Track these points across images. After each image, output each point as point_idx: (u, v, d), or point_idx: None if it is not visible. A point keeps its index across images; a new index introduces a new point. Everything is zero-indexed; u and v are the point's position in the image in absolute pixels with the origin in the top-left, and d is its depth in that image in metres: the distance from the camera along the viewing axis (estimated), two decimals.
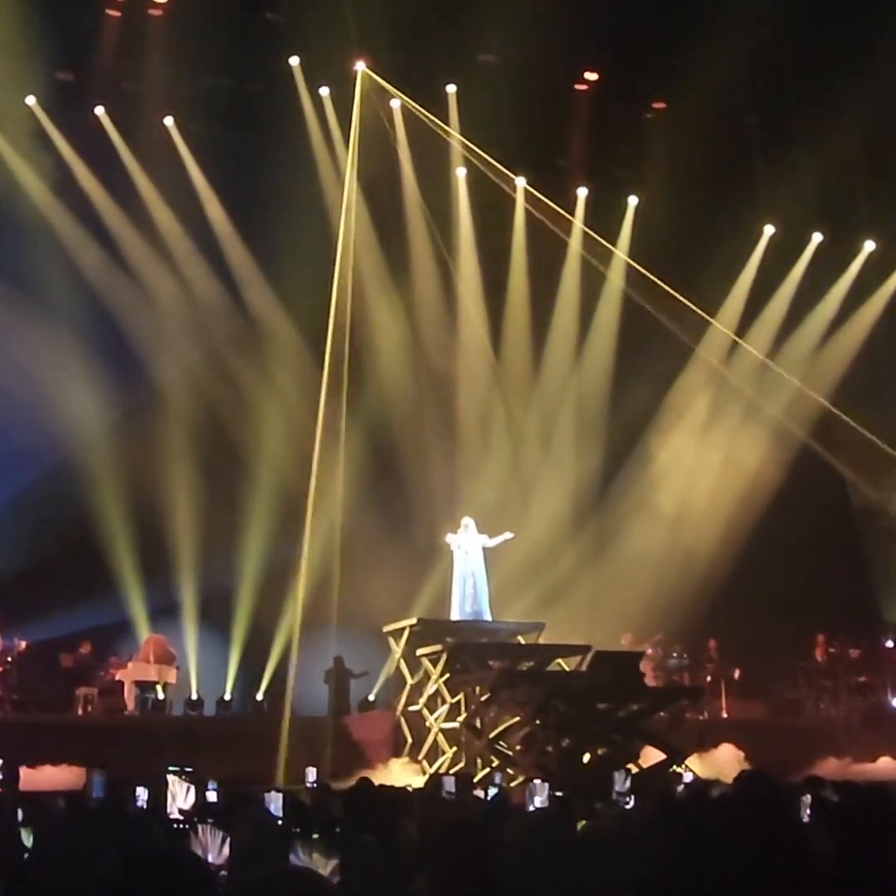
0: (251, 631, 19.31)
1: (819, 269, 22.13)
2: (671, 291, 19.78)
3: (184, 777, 6.21)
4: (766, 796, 5.53)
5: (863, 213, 21.70)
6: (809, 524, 20.95)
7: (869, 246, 22.21)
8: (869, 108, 19.68)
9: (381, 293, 20.62)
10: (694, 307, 20.08)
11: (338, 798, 7.42)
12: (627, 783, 8.64)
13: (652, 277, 20.07)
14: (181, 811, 6.25)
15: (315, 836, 3.22)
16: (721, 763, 15.31)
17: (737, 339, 21.38)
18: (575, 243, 21.48)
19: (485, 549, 17.50)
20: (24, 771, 12.88)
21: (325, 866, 3.17)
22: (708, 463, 21.29)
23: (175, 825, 6.03)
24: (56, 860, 4.76)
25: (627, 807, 8.20)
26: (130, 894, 2.52)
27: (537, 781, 8.03)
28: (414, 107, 20.04)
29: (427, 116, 19.89)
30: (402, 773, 15.05)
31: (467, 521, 17.61)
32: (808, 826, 6.40)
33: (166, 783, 6.31)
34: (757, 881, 3.25)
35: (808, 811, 6.93)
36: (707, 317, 20.77)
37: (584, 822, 5.94)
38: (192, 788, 6.23)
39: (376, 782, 10.24)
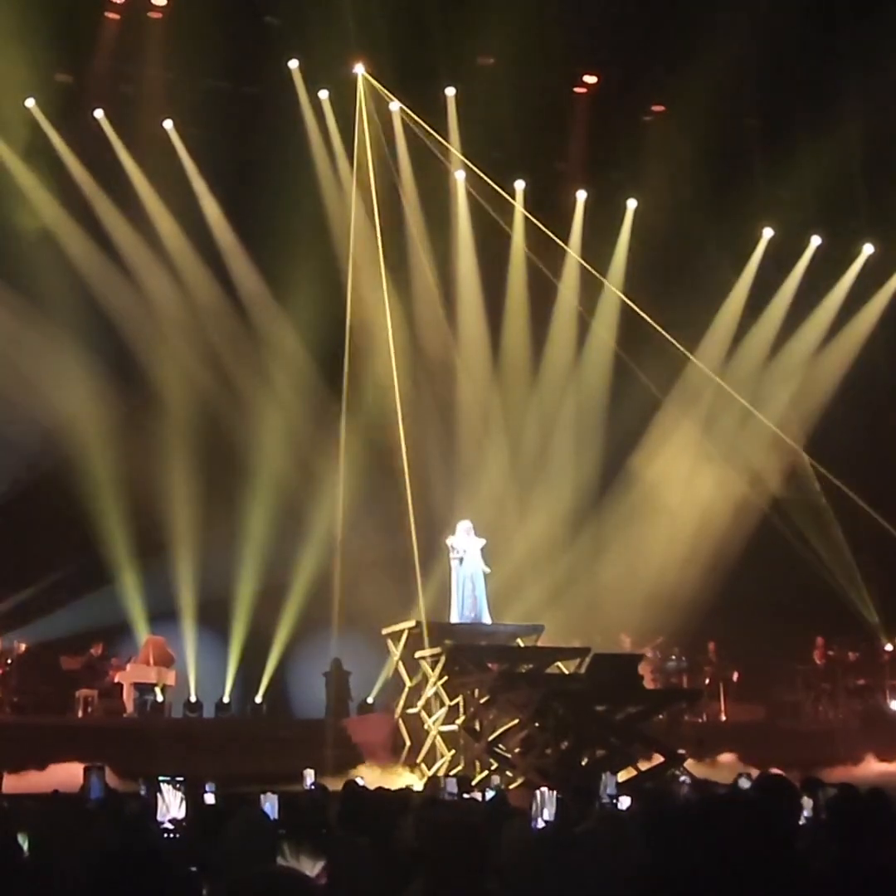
0: (250, 633, 19.31)
1: (818, 273, 22.14)
2: (652, 323, 19.67)
3: (176, 786, 6.19)
4: (786, 799, 5.52)
5: (862, 216, 21.70)
6: (808, 526, 20.95)
7: (868, 249, 22.22)
8: (868, 111, 19.68)
9: (381, 299, 20.60)
10: (675, 342, 19.93)
11: (335, 801, 7.42)
12: (616, 785, 8.62)
13: (633, 306, 20.02)
14: (173, 820, 6.24)
15: (302, 837, 3.22)
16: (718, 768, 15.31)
17: (716, 377, 21.20)
18: (573, 247, 21.49)
19: (483, 552, 17.50)
20: (23, 773, 12.93)
21: (312, 868, 3.16)
22: (706, 466, 21.27)
23: (165, 835, 6.03)
24: (52, 861, 4.77)
25: (617, 809, 8.20)
26: (116, 893, 2.53)
27: (545, 790, 7.98)
28: (411, 115, 20.05)
29: (422, 125, 19.88)
30: (400, 776, 15.06)
31: (466, 525, 17.59)
32: (807, 828, 6.40)
33: (160, 790, 6.29)
34: (752, 883, 3.26)
35: (806, 813, 6.93)
36: (683, 351, 20.54)
37: (579, 826, 5.95)
38: (184, 798, 6.21)
39: (374, 785, 10.26)
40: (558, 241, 20.73)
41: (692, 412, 21.45)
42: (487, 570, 17.47)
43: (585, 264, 21.05)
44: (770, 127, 21.28)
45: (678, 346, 19.67)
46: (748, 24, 18.31)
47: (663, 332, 19.38)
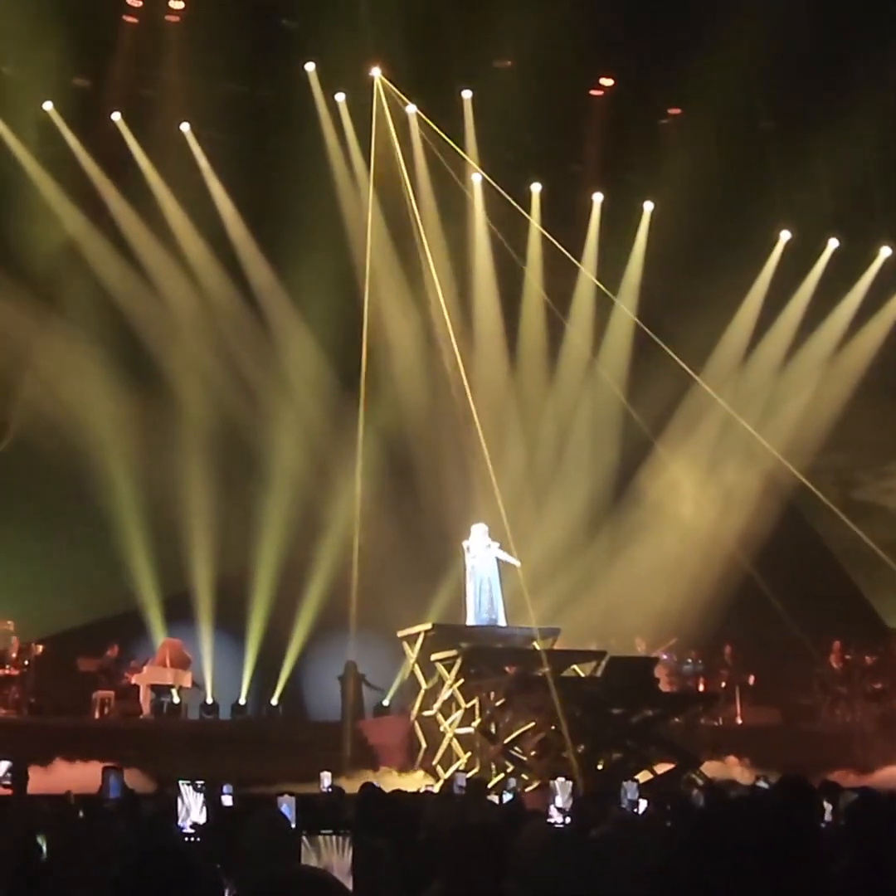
0: (266, 636, 19.34)
1: (835, 275, 22.07)
2: (657, 339, 19.64)
3: (197, 789, 6.19)
4: (805, 801, 5.51)
5: (879, 218, 21.64)
6: (825, 529, 20.90)
7: (885, 252, 22.16)
8: (885, 114, 19.63)
9: (398, 299, 20.63)
10: (680, 362, 19.81)
11: (353, 802, 7.43)
12: (637, 791, 8.63)
13: (644, 327, 20.00)
14: (194, 824, 6.25)
15: (326, 837, 3.23)
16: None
17: (727, 386, 21.08)
18: (589, 250, 21.51)
19: (497, 556, 17.49)
20: (40, 773, 12.96)
21: (335, 867, 3.17)
22: (723, 468, 21.23)
23: (186, 839, 6.04)
24: (71, 861, 4.79)
25: (637, 813, 8.20)
26: (139, 892, 2.54)
27: (560, 780, 7.97)
28: (426, 121, 20.07)
29: (438, 127, 19.88)
30: (416, 778, 15.06)
31: (482, 528, 17.60)
32: (825, 833, 6.38)
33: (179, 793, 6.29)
34: (774, 886, 3.25)
35: (825, 818, 6.92)
36: (688, 370, 20.37)
37: (595, 829, 5.95)
38: (204, 801, 6.21)
39: (391, 787, 10.26)
40: (571, 257, 20.70)
41: (708, 416, 21.39)
42: (518, 562, 17.40)
43: (599, 284, 21.04)
44: (786, 129, 21.23)
45: (684, 366, 19.62)
46: (764, 26, 18.25)
47: (671, 354, 19.35)
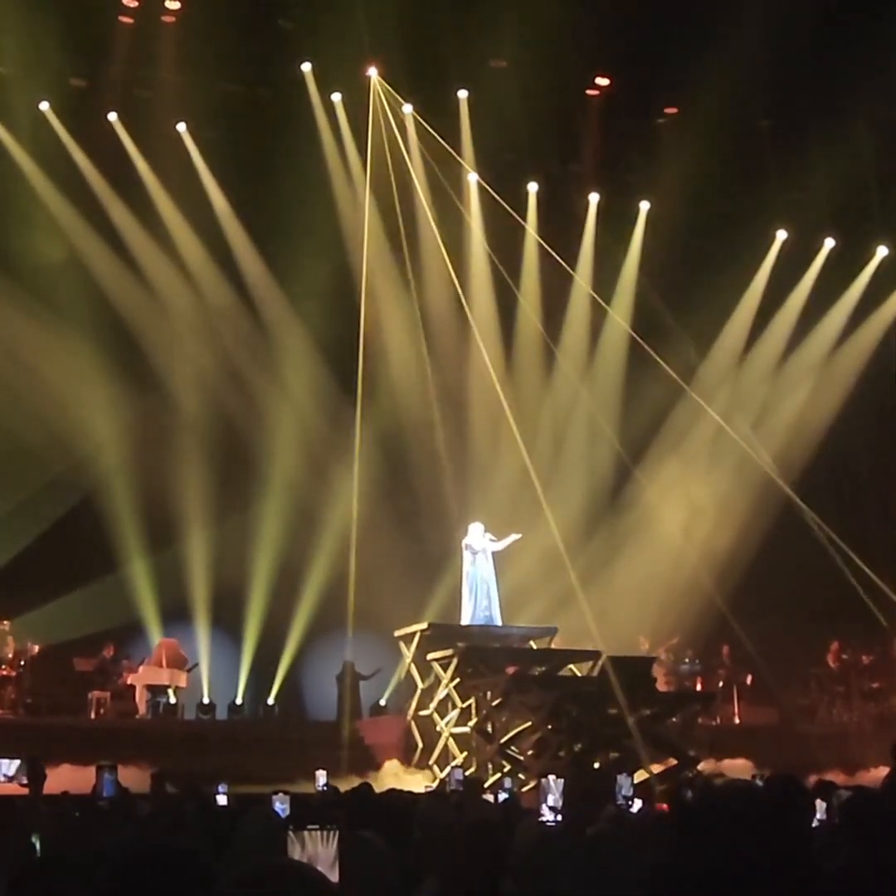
0: (263, 635, 19.34)
1: (831, 275, 22.07)
2: (640, 341, 19.70)
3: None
4: (798, 799, 5.50)
5: (876, 218, 21.64)
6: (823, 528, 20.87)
7: (881, 251, 22.16)
8: (882, 113, 19.62)
9: (394, 301, 20.62)
10: (671, 371, 19.79)
11: (347, 801, 7.41)
12: (632, 787, 8.63)
13: (639, 339, 20.04)
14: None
15: (311, 832, 3.22)
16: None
17: (723, 392, 21.11)
18: (586, 250, 21.51)
19: (495, 554, 17.49)
20: None
21: (320, 859, 3.17)
22: (719, 469, 21.22)
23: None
24: (66, 861, 4.77)
25: (631, 810, 8.20)
26: (126, 888, 2.53)
27: (552, 778, 7.96)
28: (420, 120, 20.08)
29: (434, 128, 19.88)
30: (412, 778, 15.05)
31: (479, 527, 17.60)
32: (819, 831, 6.38)
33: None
34: (765, 884, 3.24)
35: (818, 816, 6.91)
36: (680, 382, 20.33)
37: (591, 828, 5.93)
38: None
39: (387, 786, 10.25)
40: (565, 265, 20.70)
41: (706, 415, 21.38)
42: (519, 535, 17.39)
43: (596, 296, 21.07)
44: (783, 129, 21.22)
45: (673, 374, 19.63)
46: (760, 25, 18.24)
47: (664, 365, 19.37)
